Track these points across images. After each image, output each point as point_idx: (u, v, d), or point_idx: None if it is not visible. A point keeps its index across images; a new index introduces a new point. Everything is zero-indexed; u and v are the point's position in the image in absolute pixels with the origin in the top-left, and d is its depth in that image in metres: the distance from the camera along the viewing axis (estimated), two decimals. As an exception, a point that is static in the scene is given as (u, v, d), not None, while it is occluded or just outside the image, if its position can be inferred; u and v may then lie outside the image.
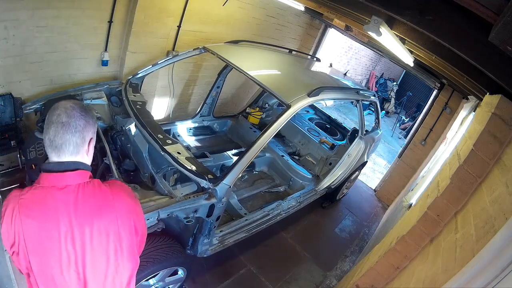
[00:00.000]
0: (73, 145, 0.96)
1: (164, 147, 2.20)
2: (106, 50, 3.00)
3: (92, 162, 2.16)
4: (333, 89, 2.99)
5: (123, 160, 2.35)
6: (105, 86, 2.87)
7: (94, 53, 2.97)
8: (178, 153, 2.22)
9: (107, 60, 3.05)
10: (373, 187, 5.36)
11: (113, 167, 2.06)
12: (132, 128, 2.50)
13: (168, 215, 1.90)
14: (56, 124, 0.93)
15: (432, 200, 1.64)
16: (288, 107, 2.38)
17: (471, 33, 1.27)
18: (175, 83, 3.74)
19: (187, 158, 2.20)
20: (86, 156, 1.02)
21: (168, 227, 2.16)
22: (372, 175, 5.89)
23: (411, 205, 2.73)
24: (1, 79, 2.45)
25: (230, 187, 2.14)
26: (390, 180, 5.00)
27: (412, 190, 3.43)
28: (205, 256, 2.41)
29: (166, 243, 2.07)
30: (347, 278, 2.66)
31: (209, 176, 2.11)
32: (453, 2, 1.10)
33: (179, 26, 3.45)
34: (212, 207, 2.12)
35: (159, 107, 3.96)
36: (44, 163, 0.99)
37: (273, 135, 2.30)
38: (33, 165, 2.04)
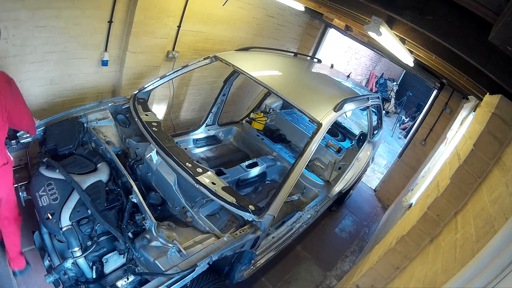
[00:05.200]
0: None
1: (197, 177, 2.05)
2: (106, 50, 3.00)
3: (114, 203, 1.91)
4: (353, 99, 2.88)
5: (146, 192, 2.15)
6: (109, 104, 2.64)
7: (94, 53, 2.97)
8: (213, 183, 2.08)
9: (107, 60, 3.05)
10: (373, 187, 5.36)
11: (146, 207, 1.80)
12: (153, 155, 2.27)
13: (218, 257, 1.82)
14: None
15: (432, 200, 1.64)
16: (320, 125, 2.31)
17: (471, 33, 1.27)
18: (174, 82, 3.74)
19: (223, 189, 2.07)
20: None
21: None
22: (372, 175, 5.89)
23: (411, 205, 2.73)
24: (1, 79, 2.45)
25: (274, 217, 2.10)
26: (390, 180, 5.00)
27: (412, 190, 3.42)
28: (239, 281, 2.34)
29: (211, 281, 1.99)
30: (347, 278, 2.66)
31: (251, 207, 2.02)
32: (452, 2, 1.11)
33: (179, 26, 3.45)
34: (257, 239, 2.08)
35: (159, 108, 3.96)
36: None
37: (310, 158, 2.24)
38: (49, 215, 1.77)
